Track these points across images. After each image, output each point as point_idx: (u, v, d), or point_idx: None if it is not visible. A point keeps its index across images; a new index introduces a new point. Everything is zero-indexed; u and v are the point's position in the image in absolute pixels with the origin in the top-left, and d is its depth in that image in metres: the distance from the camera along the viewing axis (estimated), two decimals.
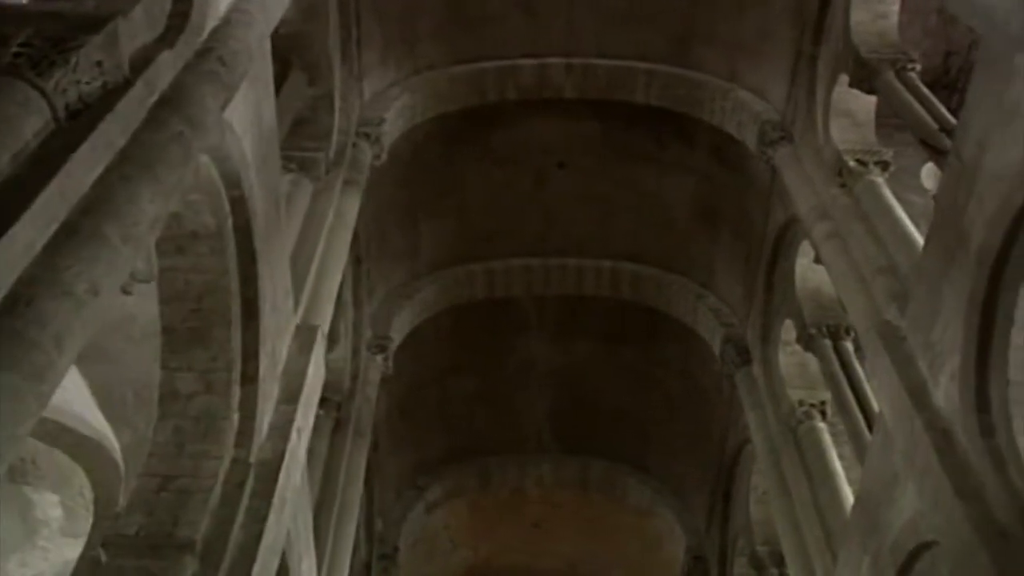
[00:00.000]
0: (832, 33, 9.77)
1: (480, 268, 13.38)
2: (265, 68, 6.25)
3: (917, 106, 8.16)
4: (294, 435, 6.64)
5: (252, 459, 6.10)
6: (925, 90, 8.48)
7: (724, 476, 13.11)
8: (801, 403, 10.53)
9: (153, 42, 4.41)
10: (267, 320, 6.48)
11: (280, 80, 8.58)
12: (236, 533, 5.68)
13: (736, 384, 11.81)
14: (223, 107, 4.79)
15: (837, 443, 10.08)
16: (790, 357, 11.03)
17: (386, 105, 11.06)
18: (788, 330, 10.94)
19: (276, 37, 9.08)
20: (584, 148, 12.78)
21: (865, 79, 8.96)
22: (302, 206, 8.70)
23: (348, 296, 11.18)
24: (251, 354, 6.26)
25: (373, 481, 13.04)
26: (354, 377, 11.22)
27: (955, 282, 6.66)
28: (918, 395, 6.95)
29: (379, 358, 11.86)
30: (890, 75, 8.73)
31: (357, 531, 12.33)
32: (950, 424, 6.61)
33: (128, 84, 3.99)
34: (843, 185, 9.27)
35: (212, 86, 4.61)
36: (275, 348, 6.76)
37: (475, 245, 13.27)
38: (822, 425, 10.30)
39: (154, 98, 4.26)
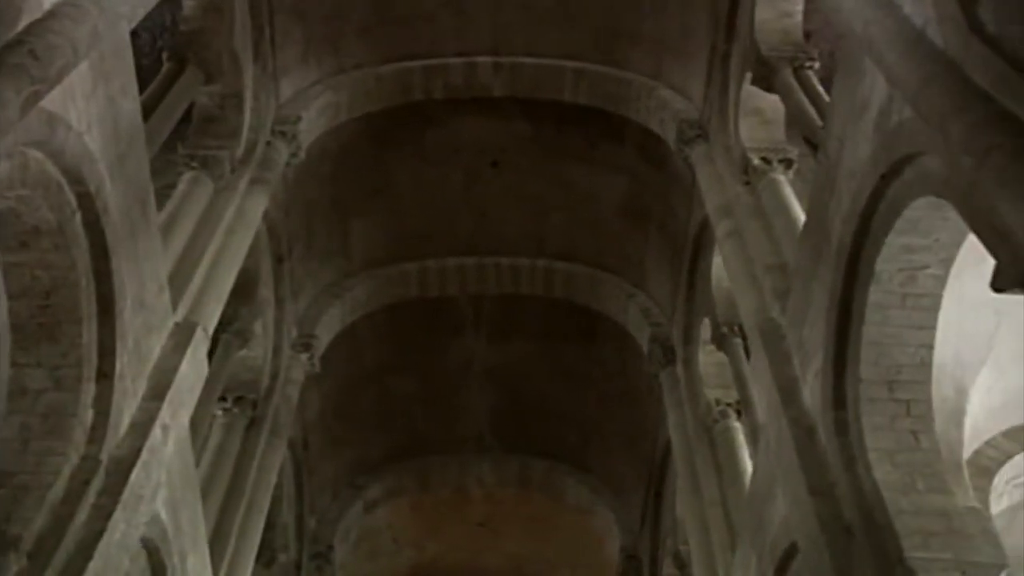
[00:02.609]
0: (742, 31, 9.76)
1: (414, 267, 13.36)
2: (123, 65, 6.22)
3: (807, 104, 8.16)
4: (157, 432, 6.63)
5: (103, 456, 6.08)
6: (820, 88, 8.47)
7: (656, 476, 13.09)
8: (718, 402, 10.52)
9: None
10: (128, 317, 6.46)
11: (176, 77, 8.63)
12: (76, 530, 5.66)
13: (661, 383, 11.80)
14: (32, 101, 4.76)
15: (752, 442, 10.06)
16: (709, 356, 11.01)
17: (305, 104, 11.03)
18: (707, 329, 10.92)
19: (178, 34, 9.24)
20: (516, 147, 12.76)
21: (765, 77, 8.96)
22: (199, 204, 8.68)
23: (268, 295, 11.17)
24: (108, 351, 6.24)
25: (303, 480, 13.05)
26: (274, 376, 11.19)
27: (821, 279, 6.66)
28: (788, 392, 6.95)
29: (303, 357, 11.84)
30: (788, 73, 8.73)
31: (285, 530, 12.38)
32: (814, 422, 6.61)
33: None
34: (748, 183, 9.26)
35: (15, 80, 4.60)
36: (141, 345, 6.74)
37: (408, 244, 13.25)
38: (737, 424, 10.29)
39: None
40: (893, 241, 5.76)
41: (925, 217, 5.54)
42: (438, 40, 11.88)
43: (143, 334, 6.80)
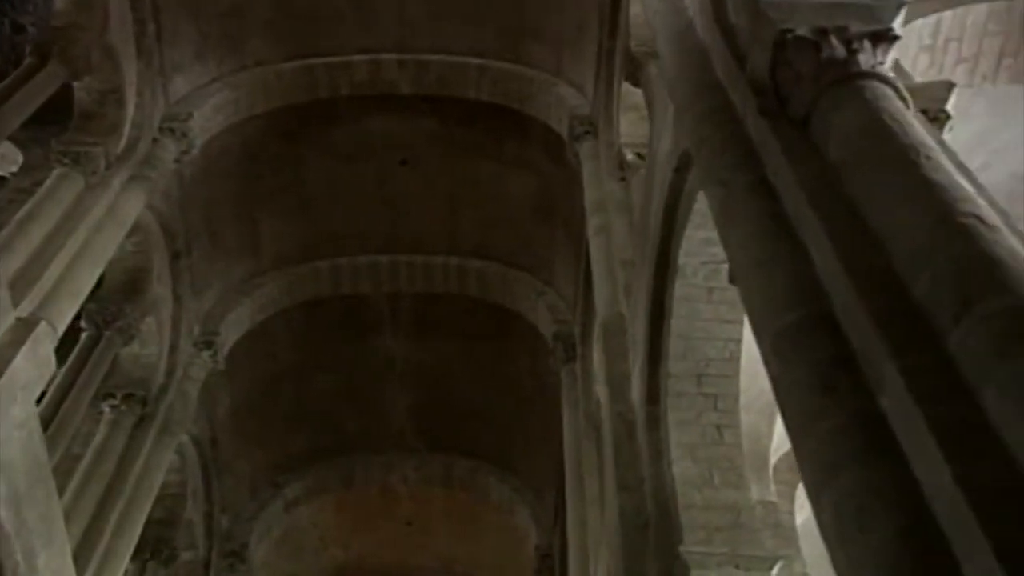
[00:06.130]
0: (623, 27, 9.72)
1: (326, 265, 13.32)
2: None
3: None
4: None
5: None
6: None
7: (563, 474, 13.02)
8: None
9: None
10: None
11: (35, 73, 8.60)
12: None
13: (562, 381, 11.77)
14: None
15: None
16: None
17: (200, 101, 10.99)
18: None
19: (49, 30, 9.20)
20: (426, 145, 12.73)
21: (633, 72, 8.92)
22: (64, 201, 8.64)
23: (164, 292, 11.14)
24: None
25: (211, 478, 13.00)
26: (170, 373, 11.15)
27: (644, 274, 6.63)
28: (618, 388, 6.93)
29: (205, 355, 11.79)
30: (652, 68, 8.67)
31: (190, 528, 12.35)
32: (635, 417, 6.58)
33: None
34: (623, 179, 9.23)
35: None
36: None
37: (320, 242, 13.21)
38: None
39: None
40: (693, 235, 5.75)
41: None
42: (342, 37, 11.84)
43: None
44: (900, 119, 3.15)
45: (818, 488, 2.44)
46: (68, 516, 8.83)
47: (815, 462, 2.49)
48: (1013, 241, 2.58)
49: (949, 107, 4.00)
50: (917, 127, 3.14)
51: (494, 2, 11.52)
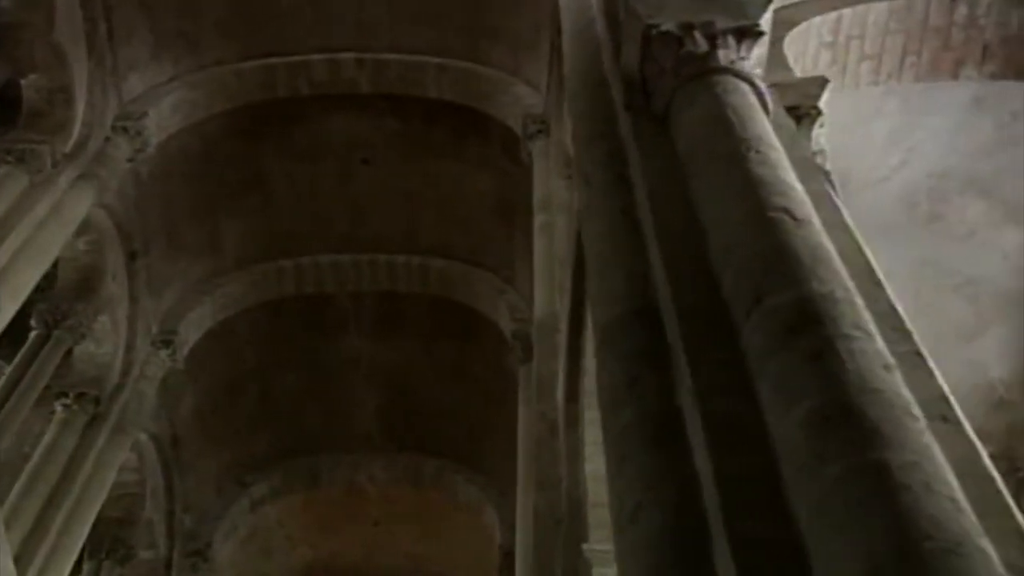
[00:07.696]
0: None
1: (289, 264, 13.31)
2: None
3: None
4: None
5: None
6: None
7: None
8: None
9: None
10: None
11: None
12: None
13: (519, 380, 11.75)
14: None
15: None
16: None
17: (156, 100, 11.00)
18: None
19: None
20: (386, 144, 12.73)
21: None
22: (7, 200, 8.65)
23: (119, 291, 11.13)
24: None
25: (173, 477, 12.99)
26: (125, 372, 11.14)
27: (568, 272, 6.63)
28: (545, 386, 6.93)
29: (163, 354, 11.79)
30: None
31: (149, 527, 12.35)
32: (559, 415, 6.58)
33: None
34: (569, 177, 9.23)
35: None
36: None
37: (283, 241, 13.20)
38: None
39: None
40: None
41: None
42: (301, 36, 11.84)
43: None
44: (743, 114, 3.14)
45: (610, 480, 2.44)
46: (13, 515, 8.86)
47: (611, 455, 2.49)
48: (822, 237, 2.57)
49: (822, 103, 3.99)
50: (759, 122, 3.13)
51: (453, 2, 11.53)
